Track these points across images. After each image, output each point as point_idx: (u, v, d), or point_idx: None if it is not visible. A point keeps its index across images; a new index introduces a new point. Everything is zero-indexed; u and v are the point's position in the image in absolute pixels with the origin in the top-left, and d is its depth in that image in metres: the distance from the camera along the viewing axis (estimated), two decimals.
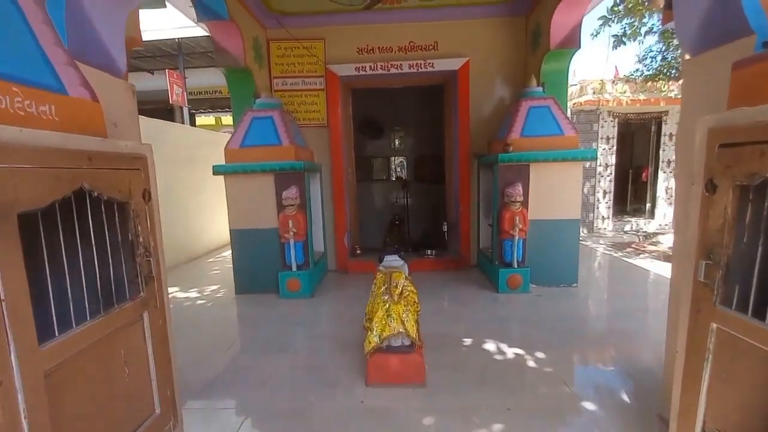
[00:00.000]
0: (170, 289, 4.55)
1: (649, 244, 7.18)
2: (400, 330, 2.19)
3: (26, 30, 1.13)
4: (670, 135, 7.47)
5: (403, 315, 2.21)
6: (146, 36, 9.58)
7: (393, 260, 2.61)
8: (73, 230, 1.23)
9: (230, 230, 4.09)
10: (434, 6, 4.47)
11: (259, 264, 4.07)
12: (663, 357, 1.95)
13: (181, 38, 8.78)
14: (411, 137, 7.90)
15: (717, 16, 1.52)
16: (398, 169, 8.14)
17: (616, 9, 4.84)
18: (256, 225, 4.03)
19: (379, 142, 7.97)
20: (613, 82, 7.65)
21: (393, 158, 8.09)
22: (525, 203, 3.87)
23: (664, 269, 5.41)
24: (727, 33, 1.46)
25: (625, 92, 7.07)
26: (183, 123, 9.97)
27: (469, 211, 4.90)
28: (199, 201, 6.18)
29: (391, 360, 2.25)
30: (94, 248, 1.30)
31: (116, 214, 1.39)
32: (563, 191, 3.94)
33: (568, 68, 4.20)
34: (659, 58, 7.24)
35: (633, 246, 7.02)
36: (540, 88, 4.08)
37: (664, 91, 6.97)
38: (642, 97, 7.04)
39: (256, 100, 4.16)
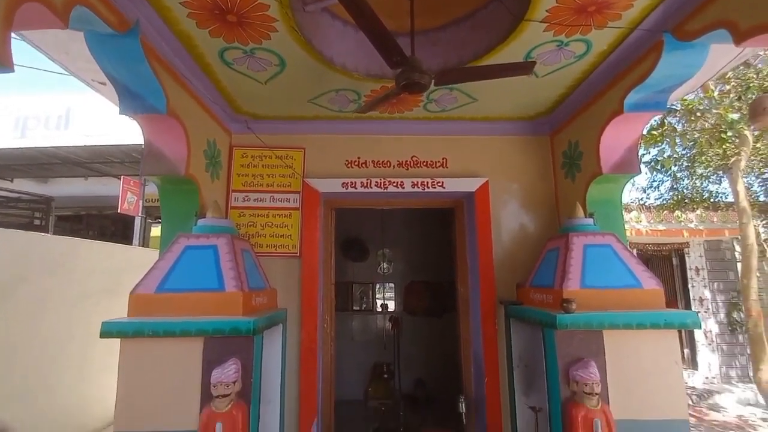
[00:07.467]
0: None
1: (709, 408, 5.64)
2: None
3: None
4: (696, 269, 6.59)
5: None
6: (114, 140, 8.39)
7: None
8: None
9: None
10: (441, 118, 3.68)
11: None
12: None
13: None
14: (402, 261, 6.71)
15: None
16: (385, 300, 6.73)
17: (654, 133, 4.27)
18: (161, 428, 2.36)
19: (362, 265, 6.72)
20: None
21: (377, 285, 6.75)
22: (605, 395, 2.46)
23: None
24: None
25: (641, 221, 6.38)
26: (134, 234, 8.68)
27: (498, 384, 3.39)
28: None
29: None
30: None
31: None
32: (656, 376, 2.58)
33: (620, 198, 3.26)
34: (666, 186, 6.79)
35: (690, 413, 5.45)
36: (590, 221, 3.05)
37: (682, 220, 6.30)
38: (661, 227, 6.33)
39: (198, 221, 2.90)
